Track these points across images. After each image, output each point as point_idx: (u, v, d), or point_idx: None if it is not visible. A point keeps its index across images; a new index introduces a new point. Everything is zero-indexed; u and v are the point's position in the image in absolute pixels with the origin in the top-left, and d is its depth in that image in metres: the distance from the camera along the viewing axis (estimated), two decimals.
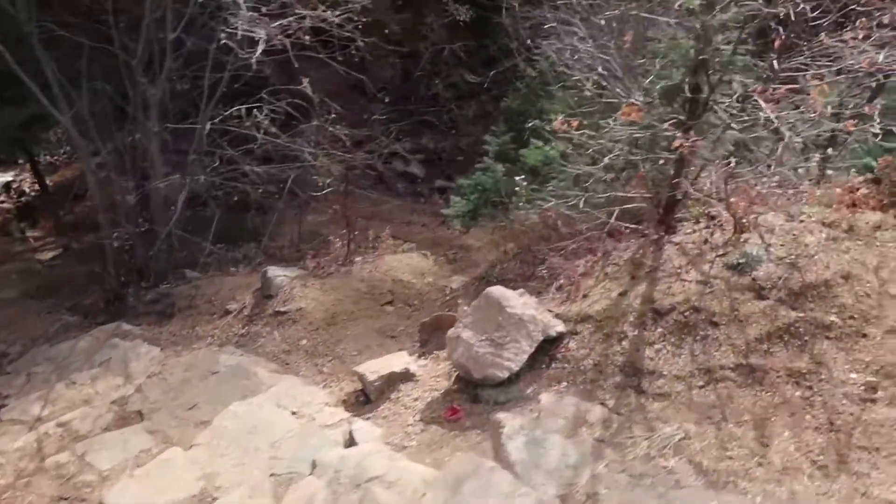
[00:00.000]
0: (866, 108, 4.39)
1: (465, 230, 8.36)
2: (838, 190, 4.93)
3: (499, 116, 10.12)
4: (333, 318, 6.25)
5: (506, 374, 4.40)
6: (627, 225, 5.52)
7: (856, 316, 4.08)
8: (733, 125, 4.76)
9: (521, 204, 5.92)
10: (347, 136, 7.50)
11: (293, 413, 4.63)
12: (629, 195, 5.36)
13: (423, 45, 12.88)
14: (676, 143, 4.45)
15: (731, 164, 5.09)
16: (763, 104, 4.65)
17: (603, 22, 5.27)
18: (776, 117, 4.52)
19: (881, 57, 4.40)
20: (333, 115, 7.22)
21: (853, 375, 3.82)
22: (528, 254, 6.15)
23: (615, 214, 5.32)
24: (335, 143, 7.34)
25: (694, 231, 5.25)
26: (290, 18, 5.94)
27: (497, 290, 4.73)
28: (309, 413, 4.64)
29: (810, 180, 5.49)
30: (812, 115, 4.38)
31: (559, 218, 5.69)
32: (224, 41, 5.79)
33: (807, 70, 4.90)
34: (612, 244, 5.60)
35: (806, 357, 3.99)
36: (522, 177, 5.92)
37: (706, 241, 5.00)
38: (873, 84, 6.82)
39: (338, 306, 6.42)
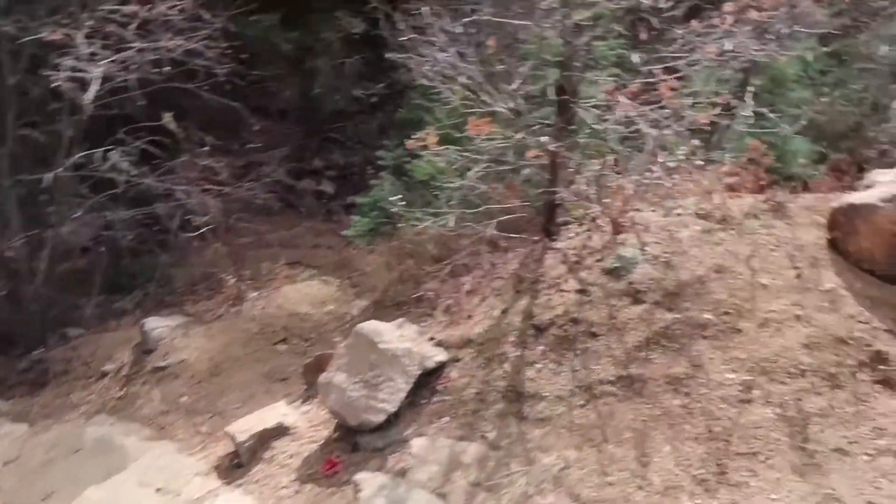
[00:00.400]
0: (718, 98, 4.19)
1: (370, 250, 7.96)
2: (706, 182, 4.78)
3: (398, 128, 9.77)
4: (218, 367, 5.75)
5: (382, 418, 4.03)
6: (512, 235, 5.26)
7: (730, 311, 3.92)
8: (596, 126, 4.55)
9: (399, 225, 5.58)
10: (225, 168, 6.99)
11: (157, 490, 4.15)
12: (507, 205, 5.09)
13: (321, 61, 12.45)
14: (531, 154, 4.20)
15: (602, 164, 4.92)
16: (624, 101, 4.46)
17: (460, 29, 4.97)
18: (637, 114, 4.35)
19: (729, 44, 4.26)
20: (207, 148, 6.70)
21: (730, 376, 3.64)
22: (419, 274, 5.83)
23: (494, 226, 5.05)
24: (213, 176, 6.82)
25: (576, 235, 5.03)
26: (129, 52, 5.40)
27: (368, 326, 4.37)
28: (176, 487, 4.16)
29: (687, 170, 5.36)
30: (668, 109, 4.19)
31: (430, 238, 5.39)
32: (57, 84, 5.20)
33: (665, 62, 4.75)
34: (499, 257, 5.33)
35: (684, 361, 3.80)
36: (399, 196, 5.60)
37: (585, 247, 4.78)
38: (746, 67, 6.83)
39: (224, 353, 5.92)
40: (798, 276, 3.97)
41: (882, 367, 3.45)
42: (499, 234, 5.18)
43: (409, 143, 4.48)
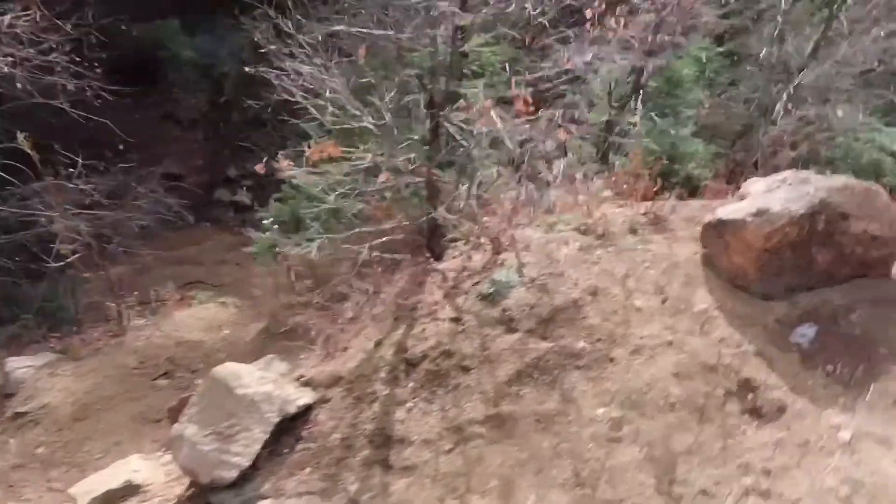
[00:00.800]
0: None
1: (269, 270, 7.37)
2: (586, 195, 4.46)
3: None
4: (85, 410, 5.11)
5: (235, 474, 3.54)
6: (397, 256, 4.83)
7: (603, 338, 3.60)
8: (463, 141, 4.16)
9: (278, 249, 5.07)
10: (102, 187, 6.29)
11: None
12: (388, 225, 4.65)
13: (230, 66, 11.70)
14: (382, 178, 3.77)
15: (480, 180, 4.55)
16: (493, 115, 4.08)
17: (319, 39, 4.48)
18: (504, 128, 3.98)
19: (588, 56, 3.94)
20: (72, 170, 5.99)
21: (600, 411, 3.32)
22: (305, 300, 5.35)
23: (377, 247, 4.61)
24: (84, 197, 6.11)
25: (459, 255, 4.63)
26: None
27: (225, 370, 3.86)
28: None
29: (574, 182, 5.03)
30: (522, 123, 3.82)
31: (317, 261, 4.90)
32: None
33: (534, 71, 4.41)
34: (385, 279, 4.90)
35: (555, 395, 3.45)
36: (270, 218, 5.08)
37: (464, 268, 4.38)
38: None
39: (94, 393, 5.28)
40: (671, 297, 3.68)
41: (750, 395, 3.20)
42: (384, 255, 4.76)
43: (259, 167, 3.98)
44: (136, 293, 6.82)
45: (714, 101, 7.11)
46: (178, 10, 10.91)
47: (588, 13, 3.90)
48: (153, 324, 6.42)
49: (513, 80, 3.88)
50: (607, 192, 4.69)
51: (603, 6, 3.86)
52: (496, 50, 5.72)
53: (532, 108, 3.79)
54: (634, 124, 5.72)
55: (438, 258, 4.71)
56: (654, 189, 5.41)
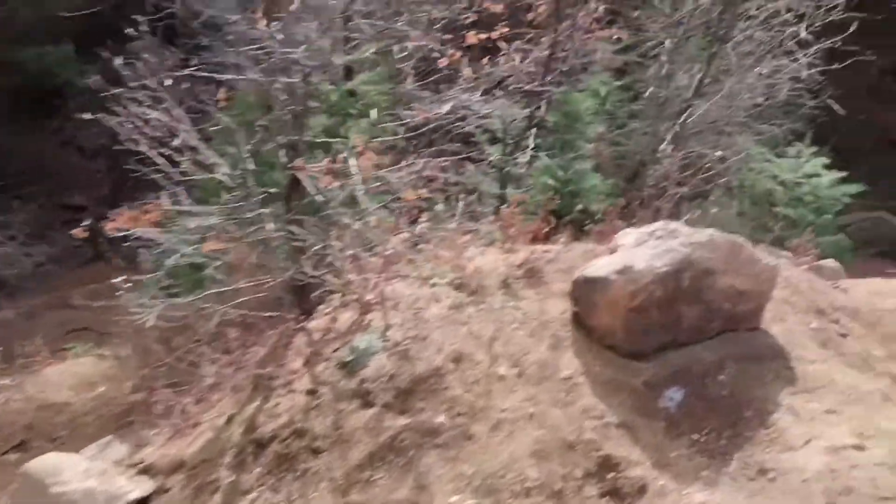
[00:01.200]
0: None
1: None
2: (455, 248, 4.16)
3: None
4: None
5: None
6: (263, 314, 4.39)
7: (464, 411, 3.26)
8: (318, 196, 3.80)
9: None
10: None
11: None
12: (248, 284, 4.21)
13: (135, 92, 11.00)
14: (207, 247, 3.36)
15: (344, 234, 4.18)
16: (356, 167, 3.74)
17: (169, 82, 4.05)
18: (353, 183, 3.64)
19: (445, 108, 3.66)
20: None
21: (454, 499, 2.97)
22: (168, 363, 4.84)
23: (235, 306, 4.18)
24: None
25: (329, 313, 4.24)
26: None
27: (42, 464, 3.33)
28: None
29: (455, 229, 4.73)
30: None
31: (184, 319, 4.42)
32: None
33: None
34: (252, 339, 4.44)
35: (409, 480, 3.09)
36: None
37: (329, 330, 3.99)
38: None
39: None
40: (537, 362, 3.40)
41: (610, 474, 2.92)
42: (250, 313, 4.32)
43: (77, 231, 3.51)
44: (0, 349, 6.10)
45: (613, 136, 7.03)
46: (73, 36, 10.19)
47: (443, 62, 3.59)
48: (16, 384, 5.73)
49: (355, 137, 3.53)
50: (496, 235, 4.41)
51: (457, 55, 3.56)
52: (381, 88, 5.42)
53: (382, 162, 3.46)
54: (527, 162, 5.53)
55: (309, 315, 4.31)
56: (546, 230, 5.18)
